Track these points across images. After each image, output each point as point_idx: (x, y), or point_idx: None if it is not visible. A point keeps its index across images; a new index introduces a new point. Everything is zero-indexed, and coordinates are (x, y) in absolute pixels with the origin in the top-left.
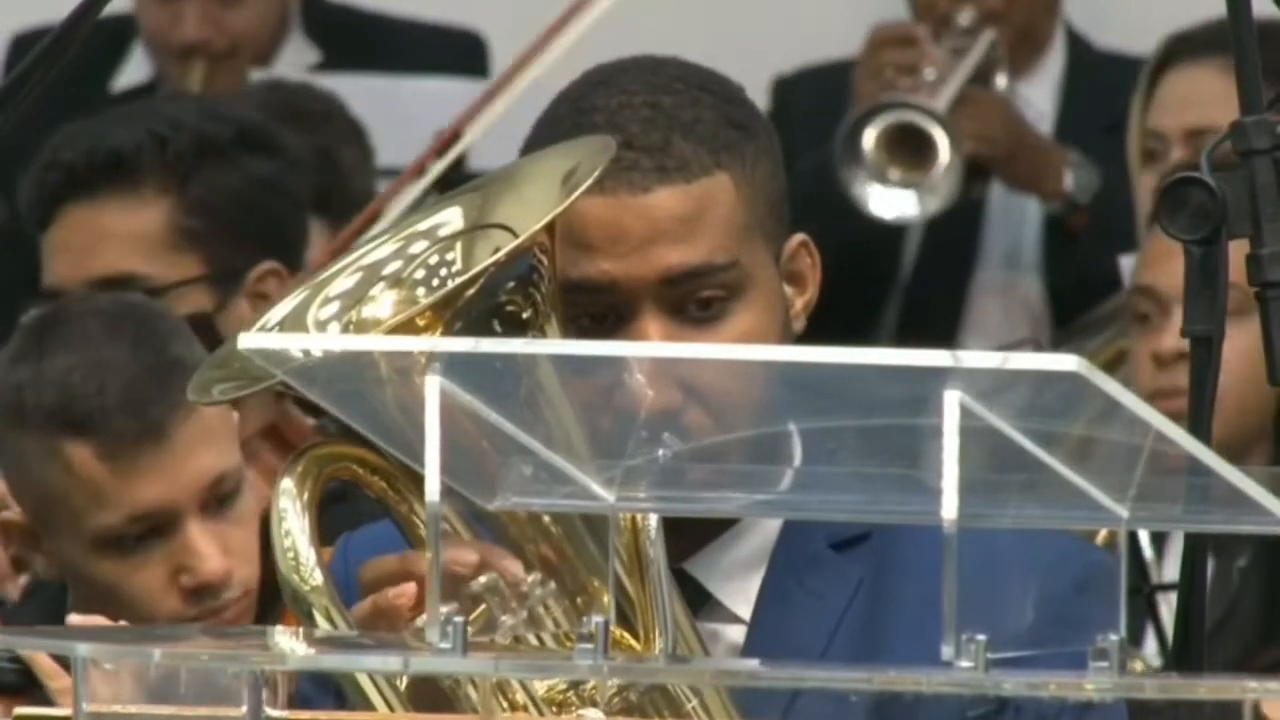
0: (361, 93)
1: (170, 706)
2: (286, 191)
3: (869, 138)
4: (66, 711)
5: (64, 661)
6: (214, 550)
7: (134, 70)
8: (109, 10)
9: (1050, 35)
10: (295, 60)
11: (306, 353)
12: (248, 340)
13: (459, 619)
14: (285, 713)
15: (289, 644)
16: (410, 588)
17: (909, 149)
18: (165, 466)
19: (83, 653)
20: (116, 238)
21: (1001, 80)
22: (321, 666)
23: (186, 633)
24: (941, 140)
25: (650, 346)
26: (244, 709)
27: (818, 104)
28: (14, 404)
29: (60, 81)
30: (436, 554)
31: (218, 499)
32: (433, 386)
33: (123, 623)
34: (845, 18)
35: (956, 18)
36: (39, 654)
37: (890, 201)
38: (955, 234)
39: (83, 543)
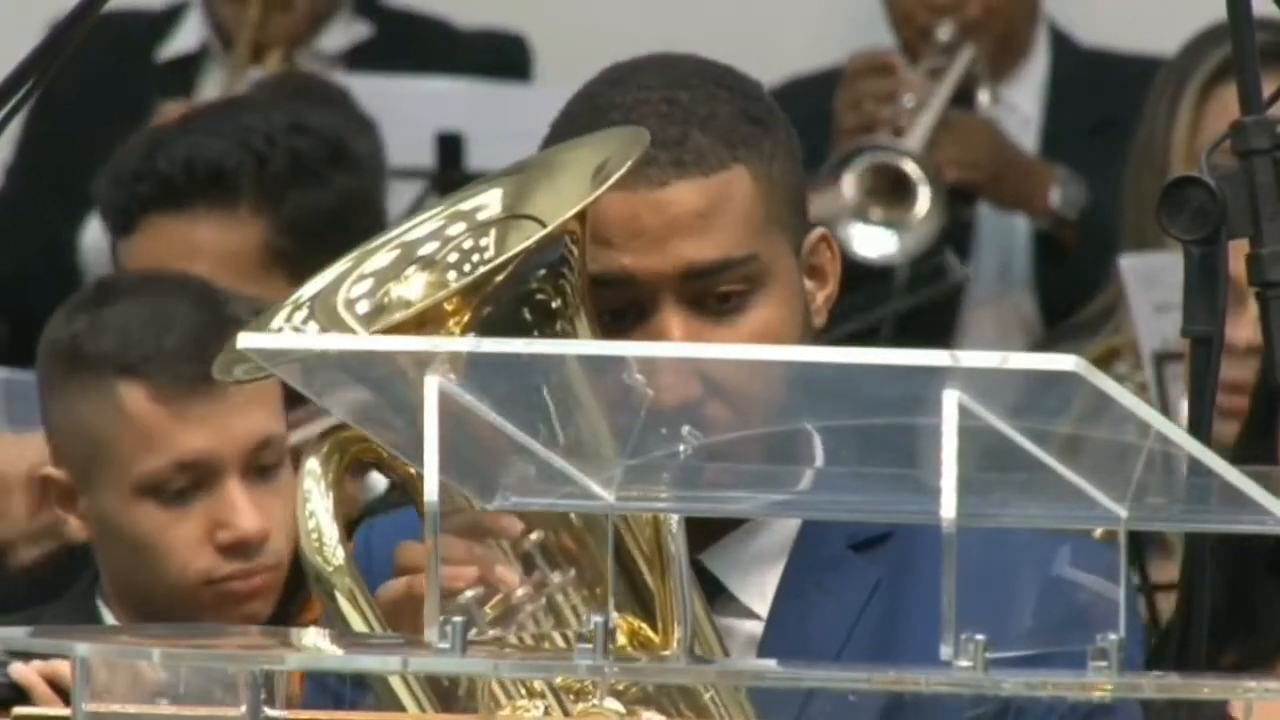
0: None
1: (170, 706)
2: (368, 204)
3: (848, 180)
4: (66, 712)
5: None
6: (252, 509)
7: (183, 39)
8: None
9: (1032, 36)
10: (345, 33)
11: (318, 353)
12: (247, 340)
13: (458, 619)
14: (285, 713)
15: (288, 644)
16: (469, 571)
17: (889, 187)
18: (216, 417)
19: (83, 653)
20: (209, 254)
21: (984, 97)
22: (321, 666)
23: (185, 632)
24: (920, 181)
25: (648, 346)
26: (243, 709)
27: (807, 115)
28: (69, 350)
29: (107, 49)
30: (436, 553)
31: (259, 467)
32: (432, 386)
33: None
34: (827, 28)
35: (936, 31)
36: (35, 680)
37: (873, 241)
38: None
39: (124, 490)
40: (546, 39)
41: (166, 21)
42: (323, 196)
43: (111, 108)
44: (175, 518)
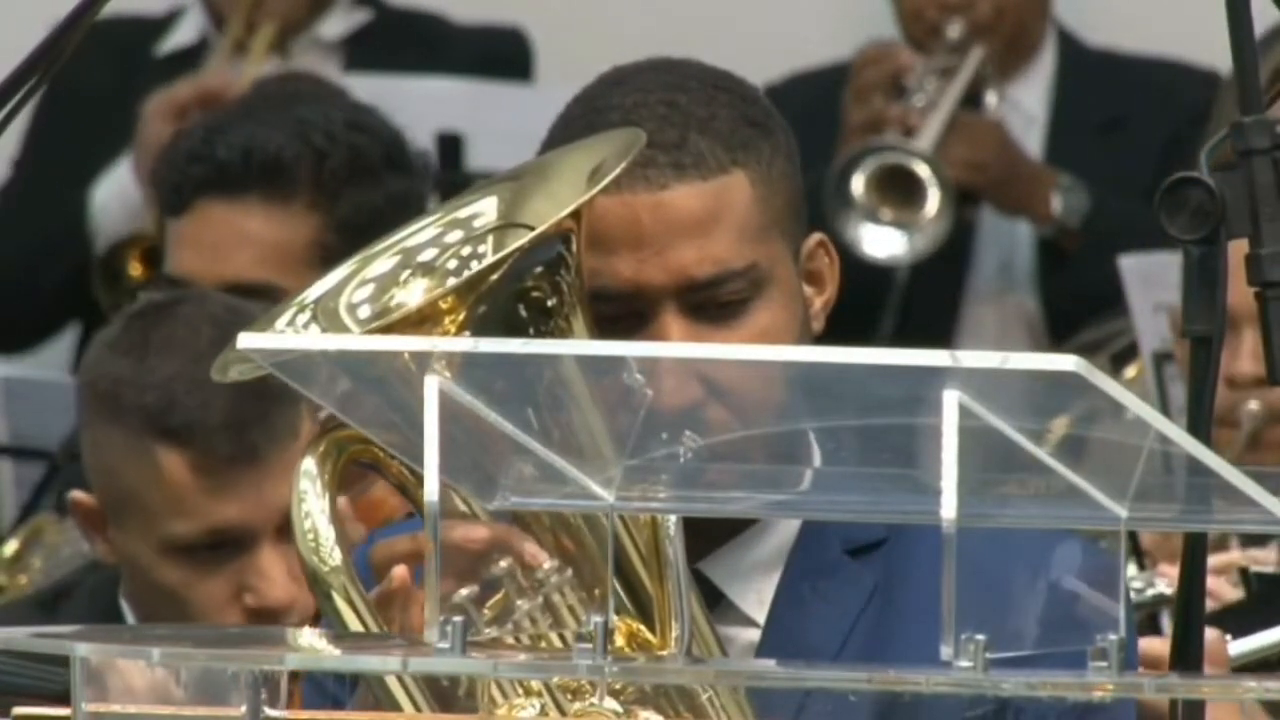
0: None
1: (170, 706)
2: (416, 207)
3: (858, 181)
4: (66, 711)
5: None
6: (282, 576)
7: (183, 32)
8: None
9: (1040, 36)
10: (344, 21)
11: (320, 352)
12: (247, 340)
13: (458, 619)
14: (285, 713)
15: (288, 644)
16: (402, 569)
17: (899, 187)
18: (253, 489)
19: (83, 652)
20: (258, 244)
21: (992, 98)
22: (320, 666)
23: (186, 633)
24: (930, 182)
25: (647, 346)
26: (243, 709)
27: (810, 111)
28: (110, 396)
29: (108, 43)
30: (436, 554)
31: None
32: (431, 387)
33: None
34: (835, 24)
35: (946, 30)
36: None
37: (882, 242)
38: (947, 252)
39: (153, 544)
40: (546, 34)
41: (165, 23)
42: (375, 196)
43: (113, 103)
44: (203, 575)
